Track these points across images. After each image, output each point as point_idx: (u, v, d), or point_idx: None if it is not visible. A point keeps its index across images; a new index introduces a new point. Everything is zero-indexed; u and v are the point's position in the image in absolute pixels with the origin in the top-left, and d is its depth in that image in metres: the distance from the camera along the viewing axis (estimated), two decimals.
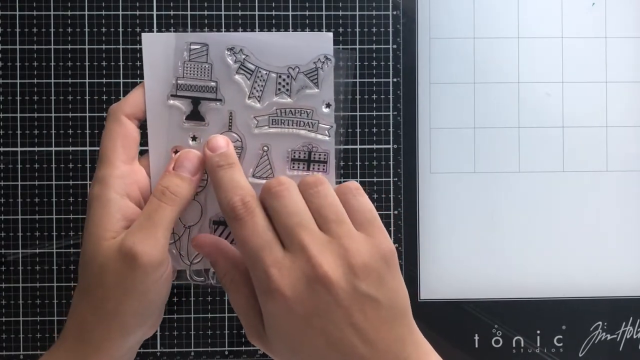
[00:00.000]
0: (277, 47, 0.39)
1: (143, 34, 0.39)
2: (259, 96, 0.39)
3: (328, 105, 0.39)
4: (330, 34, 0.39)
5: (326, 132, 0.39)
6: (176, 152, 0.39)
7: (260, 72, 0.39)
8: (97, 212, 0.36)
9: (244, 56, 0.39)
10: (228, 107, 0.39)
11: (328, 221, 0.35)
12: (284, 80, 0.39)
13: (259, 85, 0.39)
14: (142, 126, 0.39)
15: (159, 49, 0.39)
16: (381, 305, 0.34)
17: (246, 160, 0.39)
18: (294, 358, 0.35)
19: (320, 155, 0.39)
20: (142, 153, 0.40)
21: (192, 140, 0.39)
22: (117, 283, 0.35)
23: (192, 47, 0.39)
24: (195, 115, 0.39)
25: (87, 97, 0.51)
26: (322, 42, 0.39)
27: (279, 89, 0.39)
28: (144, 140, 0.39)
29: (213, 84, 0.39)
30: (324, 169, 0.39)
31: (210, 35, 0.39)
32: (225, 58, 0.39)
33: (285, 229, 0.35)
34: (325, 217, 0.35)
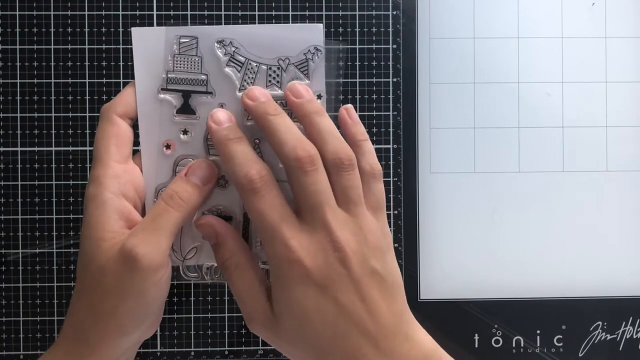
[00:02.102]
0: (267, 39, 0.39)
1: (133, 28, 0.39)
2: None
3: (319, 97, 0.39)
4: (321, 25, 0.39)
5: None
6: (167, 146, 0.39)
7: (250, 64, 0.39)
8: (94, 213, 0.36)
9: (233, 49, 0.39)
10: (219, 100, 0.39)
11: (349, 201, 0.36)
12: (274, 72, 0.39)
13: (249, 78, 0.39)
14: (136, 125, 0.39)
15: (149, 43, 0.38)
16: (385, 281, 0.36)
17: None
18: (301, 332, 0.35)
19: None
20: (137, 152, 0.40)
21: (183, 134, 0.39)
22: (115, 284, 0.35)
23: (182, 40, 0.38)
24: (186, 109, 0.39)
25: (87, 97, 0.51)
26: (312, 34, 0.39)
27: (270, 81, 0.39)
28: (137, 138, 0.39)
29: (203, 77, 0.39)
30: None
31: (200, 28, 0.39)
32: (215, 51, 0.39)
33: (309, 205, 0.36)
34: (348, 197, 0.36)
